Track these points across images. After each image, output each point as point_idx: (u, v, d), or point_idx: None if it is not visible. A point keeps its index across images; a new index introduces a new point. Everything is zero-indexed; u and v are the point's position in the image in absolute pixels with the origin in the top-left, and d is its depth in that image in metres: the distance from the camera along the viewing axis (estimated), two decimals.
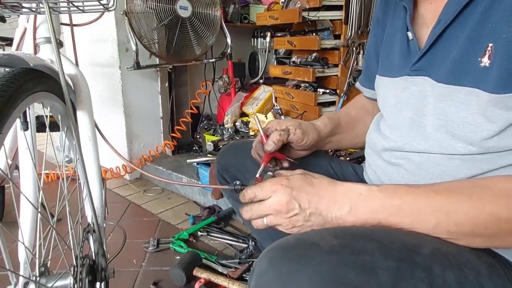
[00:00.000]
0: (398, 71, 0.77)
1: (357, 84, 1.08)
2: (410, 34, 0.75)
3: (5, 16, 0.88)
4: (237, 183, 0.75)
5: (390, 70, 0.81)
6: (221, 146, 2.20)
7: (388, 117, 0.81)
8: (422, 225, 0.60)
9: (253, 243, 1.67)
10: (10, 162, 1.20)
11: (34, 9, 0.77)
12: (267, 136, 0.87)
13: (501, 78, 0.57)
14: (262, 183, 0.69)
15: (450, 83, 0.64)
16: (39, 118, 0.83)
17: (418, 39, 0.73)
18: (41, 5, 0.73)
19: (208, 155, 2.26)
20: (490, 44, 0.59)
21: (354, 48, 2.18)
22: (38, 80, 0.67)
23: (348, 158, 1.85)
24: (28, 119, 0.71)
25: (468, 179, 0.64)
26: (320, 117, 1.01)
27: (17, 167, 1.45)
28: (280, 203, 0.65)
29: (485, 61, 0.59)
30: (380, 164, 0.82)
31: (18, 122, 0.70)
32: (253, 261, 1.53)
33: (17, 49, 1.08)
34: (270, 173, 0.73)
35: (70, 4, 0.75)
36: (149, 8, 2.12)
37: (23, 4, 0.75)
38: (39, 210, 0.72)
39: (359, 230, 0.61)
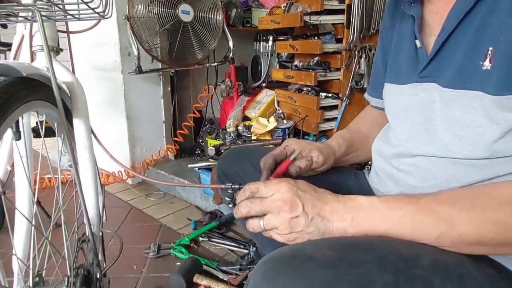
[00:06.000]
0: (405, 78, 0.78)
1: (365, 95, 1.09)
2: (418, 42, 0.76)
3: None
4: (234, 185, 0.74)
5: (397, 77, 0.82)
6: (222, 151, 2.20)
7: (397, 124, 0.82)
8: (425, 236, 0.59)
9: (254, 249, 1.65)
10: (9, 169, 1.20)
11: (29, 18, 0.77)
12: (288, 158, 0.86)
13: (501, 79, 0.59)
14: (267, 180, 0.67)
15: (456, 87, 0.66)
16: (38, 124, 0.82)
17: (426, 47, 0.75)
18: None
19: (209, 159, 2.26)
20: (490, 48, 0.61)
21: (356, 52, 2.17)
22: (32, 89, 0.67)
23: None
24: (21, 129, 0.70)
25: (470, 187, 0.64)
26: (335, 136, 1.01)
27: None
28: (284, 199, 0.62)
29: (487, 64, 0.61)
30: (388, 170, 0.82)
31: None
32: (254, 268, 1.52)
33: (15, 56, 1.08)
34: None
35: (65, 13, 0.74)
36: (151, 12, 2.12)
37: (19, 13, 0.74)
38: (33, 223, 0.71)
39: (356, 241, 0.60)
